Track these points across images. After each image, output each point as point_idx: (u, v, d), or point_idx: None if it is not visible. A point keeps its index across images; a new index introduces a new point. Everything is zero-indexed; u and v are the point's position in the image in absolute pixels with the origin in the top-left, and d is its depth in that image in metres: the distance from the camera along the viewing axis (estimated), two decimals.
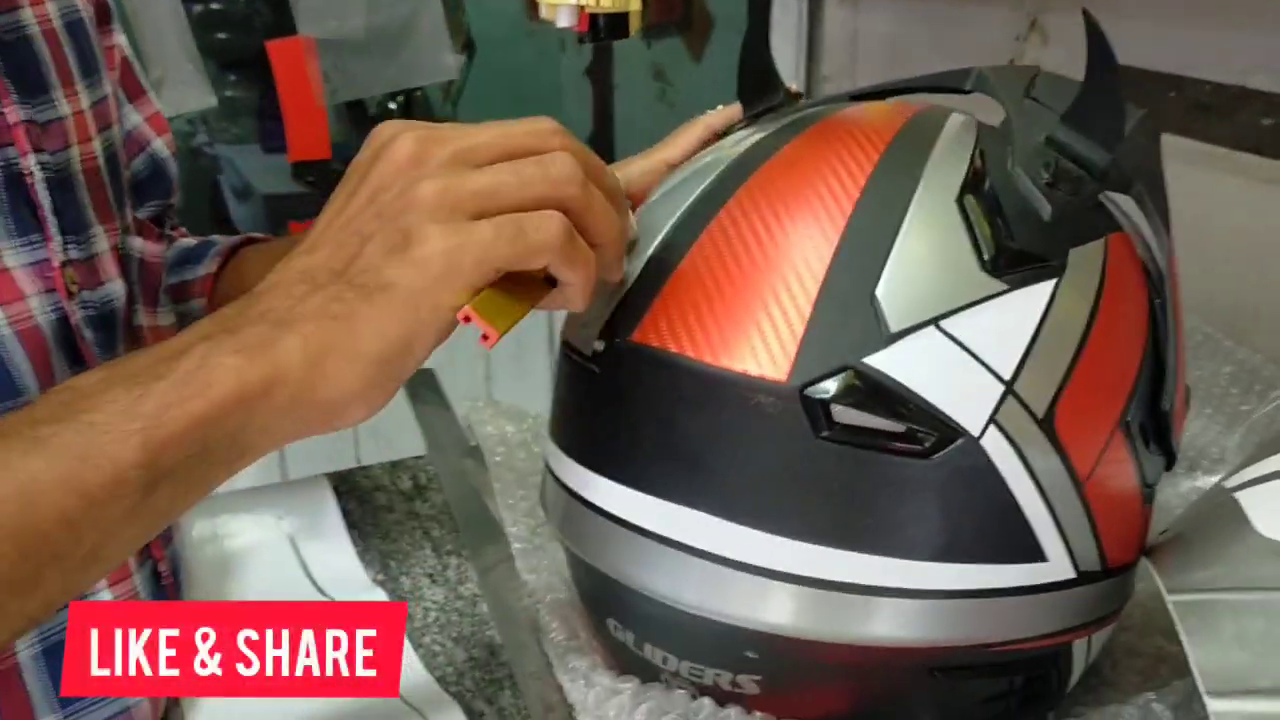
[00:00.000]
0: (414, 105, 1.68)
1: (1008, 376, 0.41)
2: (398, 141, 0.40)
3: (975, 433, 0.41)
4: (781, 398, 0.41)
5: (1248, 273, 0.95)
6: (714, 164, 0.49)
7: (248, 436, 0.37)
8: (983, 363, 0.41)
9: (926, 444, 0.40)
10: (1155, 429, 0.47)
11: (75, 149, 0.54)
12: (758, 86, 0.56)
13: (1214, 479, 0.66)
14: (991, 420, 0.41)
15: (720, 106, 0.61)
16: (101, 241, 0.55)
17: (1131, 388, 0.46)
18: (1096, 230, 0.47)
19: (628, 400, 0.44)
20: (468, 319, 0.38)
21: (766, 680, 0.45)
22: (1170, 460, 0.49)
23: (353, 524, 0.73)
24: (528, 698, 0.55)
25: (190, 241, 0.69)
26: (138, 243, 0.63)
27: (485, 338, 0.38)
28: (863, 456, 0.41)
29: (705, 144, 0.59)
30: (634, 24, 1.30)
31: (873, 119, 0.49)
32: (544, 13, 1.25)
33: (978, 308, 0.42)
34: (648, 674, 0.48)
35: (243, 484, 0.52)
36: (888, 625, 0.42)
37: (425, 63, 1.26)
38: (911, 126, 0.48)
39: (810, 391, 0.41)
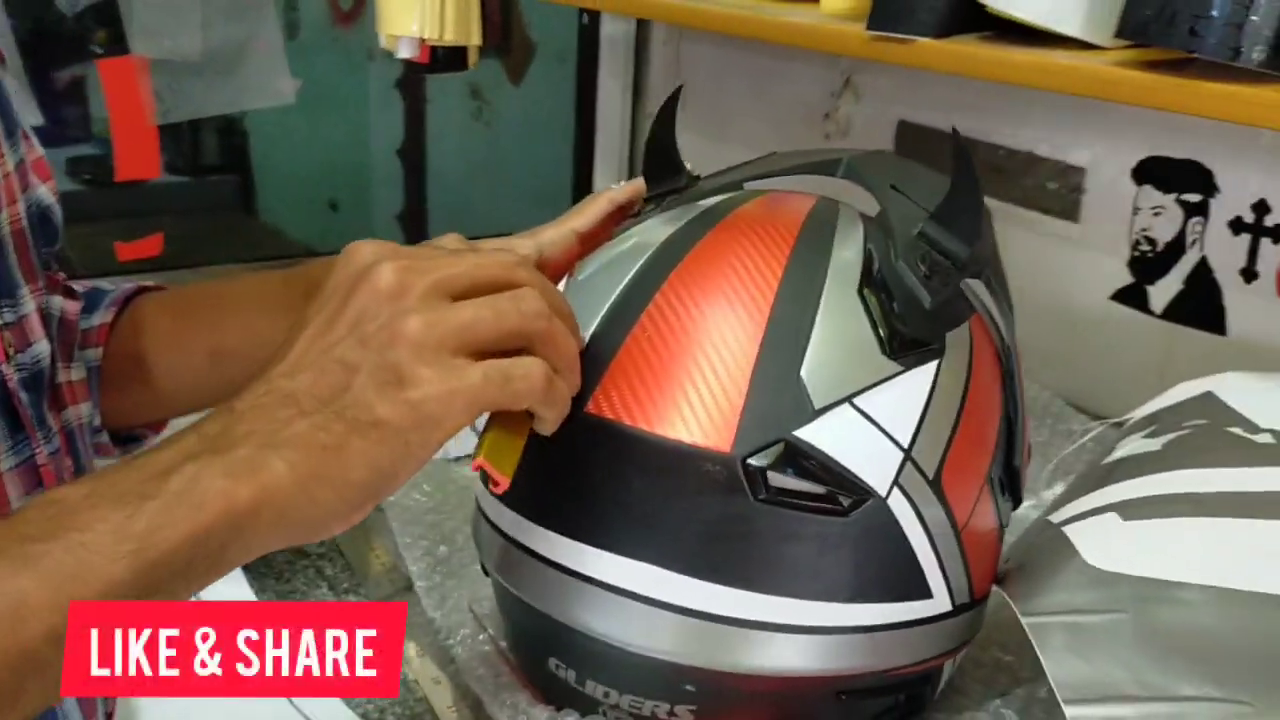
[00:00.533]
0: None
1: (906, 444, 0.49)
2: (379, 270, 0.42)
3: (883, 494, 0.48)
4: (725, 465, 0.47)
5: (1033, 315, 1.08)
6: (637, 249, 0.54)
7: (232, 552, 0.39)
8: (887, 434, 0.49)
9: (845, 504, 0.48)
10: (1009, 481, 0.56)
11: (4, 212, 0.54)
12: (663, 167, 0.62)
13: (1027, 503, 0.77)
14: (895, 482, 0.49)
15: (622, 183, 0.67)
16: (28, 303, 0.56)
17: (994, 448, 0.55)
18: (962, 314, 0.55)
19: (581, 464, 0.49)
20: (480, 469, 0.43)
21: (700, 709, 0.51)
22: (1017, 504, 0.59)
23: (243, 566, 0.74)
24: None
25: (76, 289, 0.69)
26: (57, 300, 0.63)
27: (496, 484, 0.43)
28: (791, 516, 0.48)
29: (609, 215, 0.65)
30: (472, 58, 1.34)
31: (777, 215, 0.55)
32: (384, 42, 1.27)
33: (881, 386, 0.49)
34: (586, 708, 0.53)
35: None
36: (805, 658, 0.49)
37: (261, 85, 1.25)
38: (811, 222, 0.55)
39: (751, 460, 0.47)
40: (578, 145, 1.59)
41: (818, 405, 0.48)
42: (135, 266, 1.25)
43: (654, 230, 0.56)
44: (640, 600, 0.48)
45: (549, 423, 0.46)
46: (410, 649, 0.66)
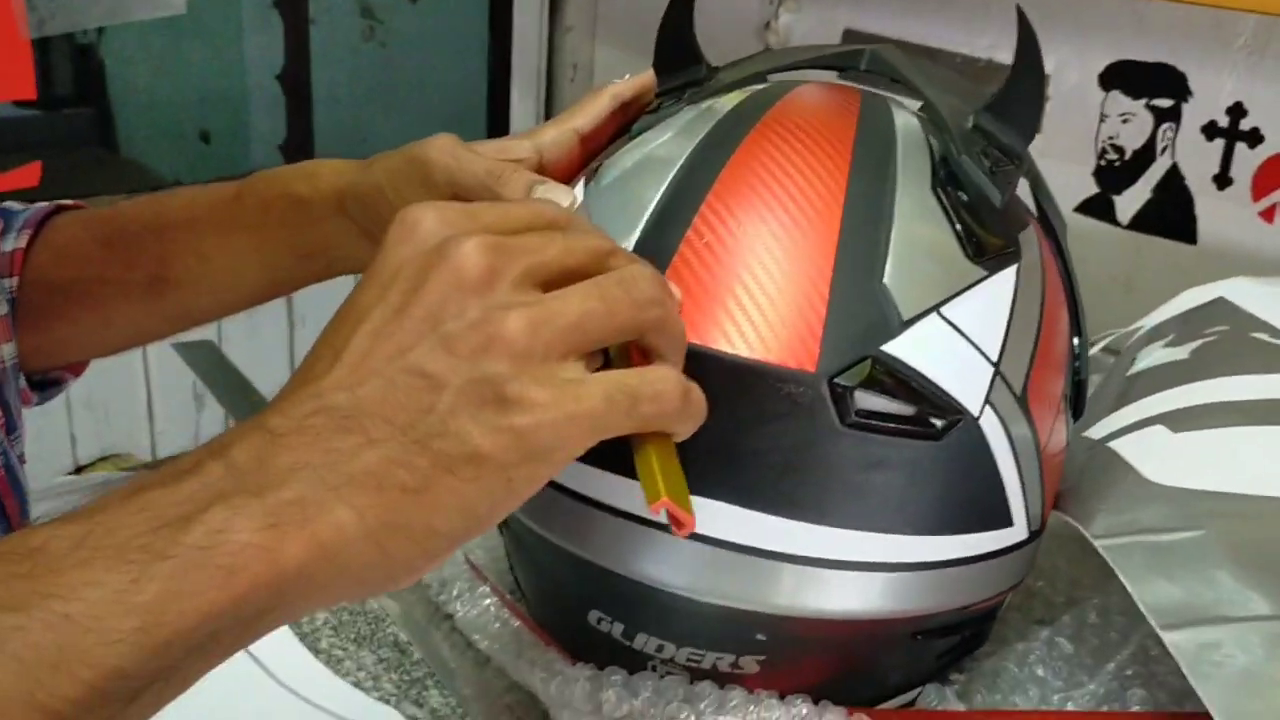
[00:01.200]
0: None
1: (995, 358, 0.44)
2: (460, 250, 0.33)
3: (975, 413, 0.43)
4: (810, 386, 0.41)
5: None
6: (669, 151, 0.48)
7: (269, 620, 0.30)
8: (976, 346, 0.44)
9: (939, 426, 0.43)
10: (1075, 396, 0.52)
11: None
12: (677, 58, 0.55)
13: None
14: (987, 400, 0.44)
15: (628, 75, 0.60)
16: None
17: (1066, 361, 0.50)
18: (1025, 215, 0.51)
19: None
20: (661, 510, 0.34)
21: (769, 660, 0.46)
22: (1077, 418, 0.55)
23: None
24: (464, 695, 0.53)
25: None
26: None
27: (680, 525, 0.35)
28: (878, 441, 0.42)
29: (614, 114, 0.58)
30: None
31: (823, 117, 0.49)
32: None
33: (968, 293, 0.44)
34: (634, 665, 0.48)
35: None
36: (888, 598, 0.44)
37: None
38: (866, 118, 0.49)
39: (838, 379, 0.42)
40: (491, 63, 1.50)
41: (905, 316, 0.43)
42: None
43: (685, 129, 0.49)
44: (710, 543, 0.42)
45: (684, 435, 0.36)
46: (393, 607, 0.59)
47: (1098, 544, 0.50)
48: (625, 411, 0.33)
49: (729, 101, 0.51)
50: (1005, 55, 1.01)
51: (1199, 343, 0.65)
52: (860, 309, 0.43)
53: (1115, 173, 0.96)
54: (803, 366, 0.42)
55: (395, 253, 0.34)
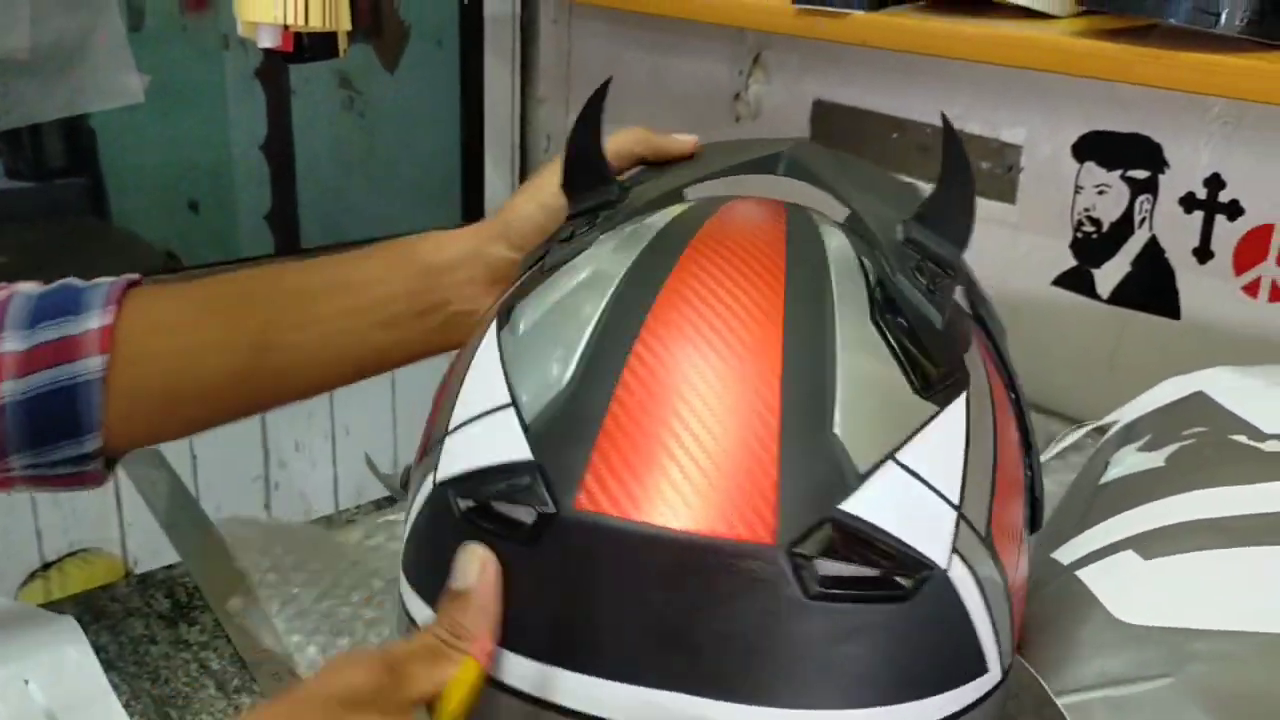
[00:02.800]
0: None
1: (956, 500, 0.40)
2: None
3: (944, 565, 0.40)
4: (768, 561, 0.37)
5: None
6: (590, 287, 0.44)
7: None
8: (936, 491, 0.40)
9: (907, 585, 0.39)
10: (1032, 515, 0.48)
11: None
12: (589, 178, 0.52)
13: None
14: (954, 549, 0.40)
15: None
16: None
17: (1023, 484, 0.46)
18: (965, 328, 0.47)
19: (583, 580, 0.39)
20: None
21: None
22: (1034, 531, 0.51)
23: (110, 665, 0.62)
24: None
25: (29, 287, 0.56)
26: None
27: None
28: (846, 611, 0.38)
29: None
30: (343, 44, 1.22)
31: (751, 234, 0.46)
32: (241, 30, 1.14)
33: (921, 434, 0.40)
34: None
35: None
36: None
37: (105, 83, 1.11)
38: (794, 241, 0.45)
39: (797, 550, 0.37)
40: (465, 134, 1.48)
41: (861, 469, 0.39)
42: None
43: (604, 261, 0.45)
44: None
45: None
46: None
47: (1059, 701, 0.46)
48: None
49: (652, 226, 0.48)
50: (976, 126, 0.98)
51: (1175, 447, 0.61)
52: (813, 465, 0.38)
53: (1093, 245, 0.93)
54: (759, 539, 0.37)
55: None
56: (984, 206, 0.99)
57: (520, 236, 0.58)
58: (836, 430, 0.39)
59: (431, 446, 0.44)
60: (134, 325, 0.55)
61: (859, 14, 0.78)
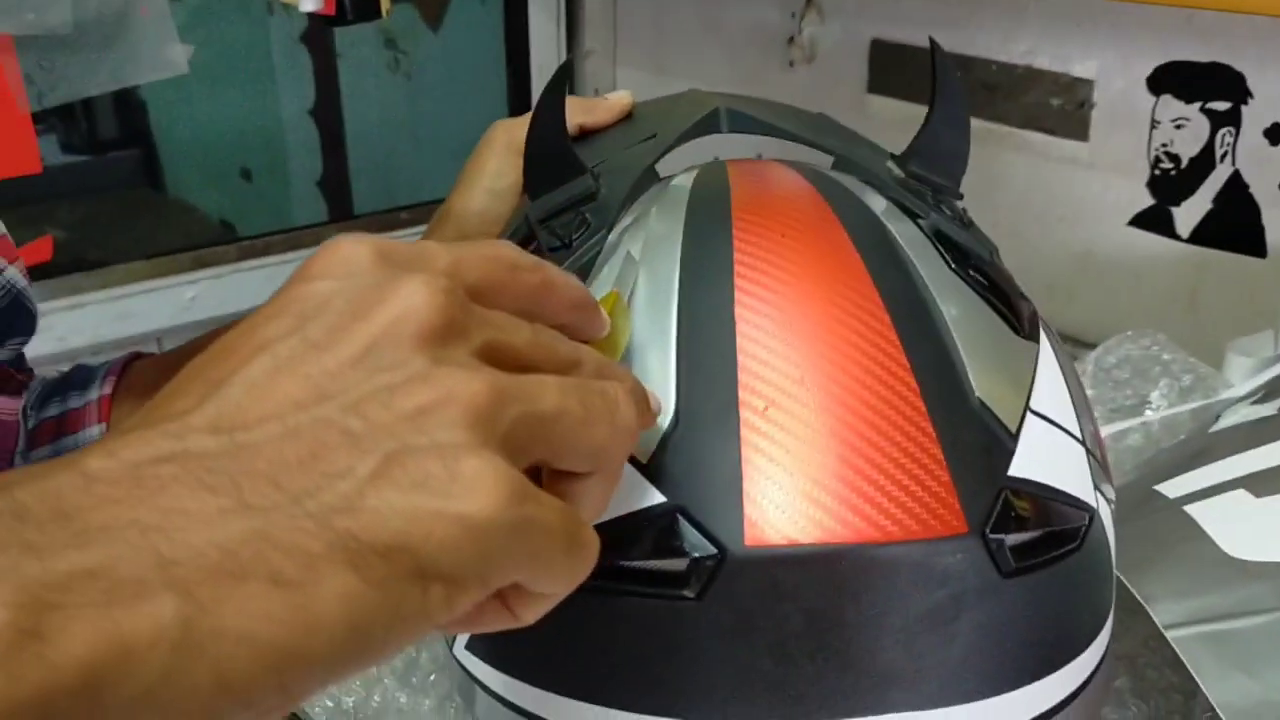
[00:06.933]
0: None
1: (1079, 435, 0.39)
2: (414, 291, 0.25)
3: (1094, 504, 0.39)
4: (966, 550, 0.34)
5: (1044, 248, 0.98)
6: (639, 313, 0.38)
7: None
8: (1066, 431, 0.39)
9: (1080, 533, 0.37)
10: None
11: None
12: (554, 172, 0.45)
13: None
14: (1095, 486, 0.39)
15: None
16: None
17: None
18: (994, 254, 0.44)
19: (769, 625, 0.34)
20: None
21: None
22: None
23: None
24: None
25: (47, 374, 0.58)
26: None
27: None
28: (1039, 579, 0.36)
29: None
30: (385, 4, 1.20)
31: (789, 203, 0.41)
32: None
33: (1037, 377, 0.39)
34: None
35: None
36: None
37: (148, 56, 1.10)
38: (832, 199, 0.42)
39: (989, 532, 0.35)
40: (511, 91, 1.45)
41: (1011, 428, 0.36)
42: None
43: (654, 261, 0.39)
44: None
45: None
46: None
47: (1168, 634, 0.44)
48: (564, 550, 0.25)
49: (674, 220, 0.41)
50: (1045, 60, 0.94)
51: None
52: (972, 439, 0.36)
53: (1171, 183, 0.88)
54: (954, 530, 0.34)
55: (320, 284, 0.25)
56: (1055, 145, 0.94)
57: (478, 232, 0.55)
58: (978, 393, 0.37)
59: None
60: (134, 394, 0.55)
61: None
